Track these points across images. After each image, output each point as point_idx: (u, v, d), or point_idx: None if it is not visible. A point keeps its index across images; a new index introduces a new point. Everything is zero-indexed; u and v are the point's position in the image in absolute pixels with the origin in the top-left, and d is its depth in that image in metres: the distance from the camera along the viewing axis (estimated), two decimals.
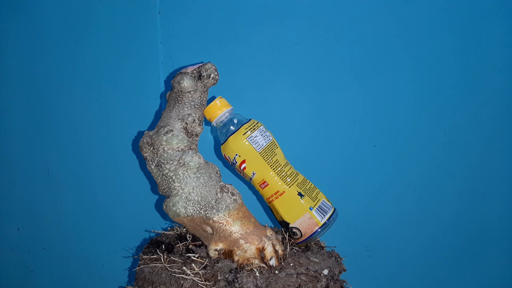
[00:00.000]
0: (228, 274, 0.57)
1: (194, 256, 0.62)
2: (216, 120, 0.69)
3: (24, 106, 0.93)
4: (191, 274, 0.58)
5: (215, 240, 0.62)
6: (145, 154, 0.66)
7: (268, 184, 0.68)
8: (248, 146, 0.67)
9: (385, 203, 0.89)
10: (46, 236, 0.95)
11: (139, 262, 0.65)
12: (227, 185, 0.64)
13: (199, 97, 0.66)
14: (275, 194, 0.68)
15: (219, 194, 0.62)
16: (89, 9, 0.87)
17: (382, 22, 0.84)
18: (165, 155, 0.63)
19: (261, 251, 0.61)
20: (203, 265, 0.60)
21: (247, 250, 0.61)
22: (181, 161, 0.63)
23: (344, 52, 0.85)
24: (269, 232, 0.64)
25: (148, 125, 0.88)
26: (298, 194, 0.67)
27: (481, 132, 0.87)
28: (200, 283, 0.57)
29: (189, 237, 0.70)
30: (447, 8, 0.84)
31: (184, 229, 0.74)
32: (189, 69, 0.65)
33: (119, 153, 0.90)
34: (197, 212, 0.62)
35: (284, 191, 0.68)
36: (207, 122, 0.79)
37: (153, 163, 0.64)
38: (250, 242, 0.61)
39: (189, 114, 0.65)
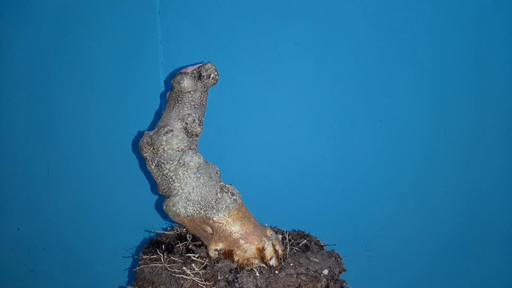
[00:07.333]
0: (228, 274, 0.57)
1: (194, 256, 0.62)
2: None
3: (24, 106, 0.93)
4: (191, 274, 0.58)
5: (215, 240, 0.62)
6: (145, 154, 0.66)
7: None
8: None
9: (385, 203, 0.89)
10: (46, 236, 0.95)
11: (139, 262, 0.65)
12: (227, 185, 0.64)
13: (199, 97, 0.66)
14: None
15: (219, 194, 0.62)
16: (89, 9, 0.87)
17: (382, 22, 0.84)
18: (165, 155, 0.63)
19: (261, 251, 0.61)
20: (203, 265, 0.60)
21: (247, 250, 0.61)
22: (181, 161, 0.63)
23: (345, 52, 0.85)
24: (269, 232, 0.64)
25: (148, 125, 0.88)
26: None
27: (481, 132, 0.87)
28: (200, 283, 0.57)
29: (189, 237, 0.70)
30: (447, 9, 0.83)
31: (184, 229, 0.74)
32: (189, 69, 0.65)
33: (119, 153, 0.90)
34: (197, 212, 0.62)
35: None
36: (207, 122, 0.79)
37: (153, 163, 0.64)
38: (250, 242, 0.61)
39: (189, 114, 0.65)
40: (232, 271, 0.58)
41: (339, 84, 0.86)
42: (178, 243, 0.68)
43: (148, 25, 0.86)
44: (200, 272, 0.58)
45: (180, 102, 0.65)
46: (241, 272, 0.58)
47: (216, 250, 0.62)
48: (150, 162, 0.65)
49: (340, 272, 0.65)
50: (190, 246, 0.66)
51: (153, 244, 0.70)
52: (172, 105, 0.66)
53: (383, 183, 0.88)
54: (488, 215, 0.89)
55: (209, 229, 0.63)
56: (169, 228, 0.76)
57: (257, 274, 0.57)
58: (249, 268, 0.59)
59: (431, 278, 0.91)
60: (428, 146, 0.87)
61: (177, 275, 0.58)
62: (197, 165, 0.63)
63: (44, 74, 0.91)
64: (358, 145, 0.87)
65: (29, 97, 0.92)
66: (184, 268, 0.59)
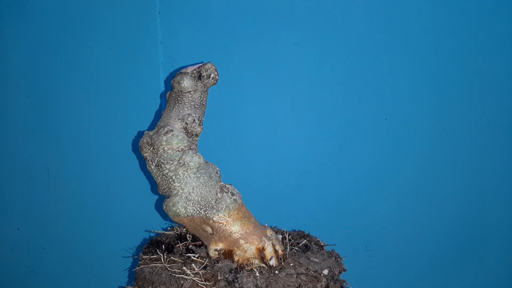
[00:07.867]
0: (228, 274, 0.57)
1: (194, 256, 0.62)
2: None
3: (24, 106, 0.93)
4: (191, 274, 0.58)
5: (215, 240, 0.62)
6: (145, 154, 0.66)
7: None
8: None
9: (385, 203, 0.89)
10: (46, 236, 0.95)
11: (139, 262, 0.65)
12: (227, 185, 0.64)
13: (199, 97, 0.66)
14: None
15: (219, 194, 0.62)
16: (89, 9, 0.87)
17: (382, 22, 0.84)
18: (165, 155, 0.63)
19: (261, 251, 0.61)
20: (203, 265, 0.60)
21: (247, 250, 0.61)
22: (181, 161, 0.63)
23: (345, 52, 0.85)
24: (269, 232, 0.64)
25: (148, 125, 0.88)
26: None
27: (481, 132, 0.87)
28: (200, 283, 0.57)
29: (189, 237, 0.70)
30: (447, 8, 0.83)
31: (184, 229, 0.74)
32: (189, 69, 0.65)
33: (119, 153, 0.90)
34: (197, 212, 0.62)
35: None
36: (207, 122, 0.79)
37: (153, 163, 0.64)
38: (250, 242, 0.61)
39: (189, 114, 0.65)
40: (232, 271, 0.58)
41: (339, 84, 0.86)
42: (178, 243, 0.68)
43: (148, 25, 0.86)
44: (200, 272, 0.58)
45: (180, 102, 0.65)
46: (241, 272, 0.58)
47: (216, 250, 0.62)
48: (150, 162, 0.65)
49: (340, 272, 0.65)
50: (190, 246, 0.66)
51: (153, 244, 0.70)
52: (172, 105, 0.66)
53: (382, 183, 0.88)
54: (488, 215, 0.89)
55: (209, 229, 0.63)
56: (169, 228, 0.76)
57: (257, 274, 0.57)
58: (249, 268, 0.59)
59: (431, 278, 0.91)
60: (427, 146, 0.87)
61: (177, 275, 0.58)
62: (197, 165, 0.63)
63: (44, 74, 0.91)
64: (357, 145, 0.87)
65: (29, 97, 0.92)
66: (184, 268, 0.59)
